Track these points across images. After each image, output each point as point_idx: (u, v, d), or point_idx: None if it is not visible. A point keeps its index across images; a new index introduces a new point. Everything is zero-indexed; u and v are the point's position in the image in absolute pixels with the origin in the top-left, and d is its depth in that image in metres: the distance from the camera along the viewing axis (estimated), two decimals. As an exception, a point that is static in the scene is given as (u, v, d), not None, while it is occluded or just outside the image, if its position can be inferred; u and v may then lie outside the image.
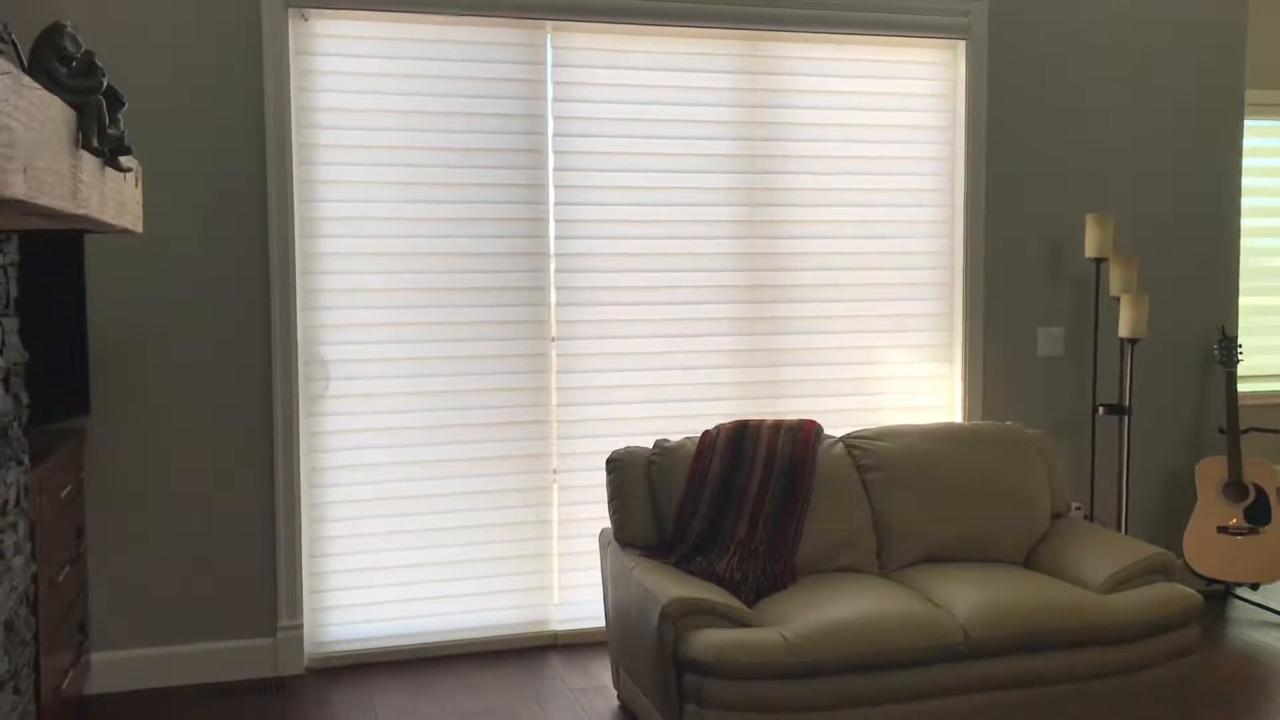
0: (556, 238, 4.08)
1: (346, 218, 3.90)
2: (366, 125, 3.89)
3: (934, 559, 3.58)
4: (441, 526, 4.05)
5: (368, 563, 4.00)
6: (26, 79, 1.44)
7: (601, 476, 4.13)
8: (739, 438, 3.56)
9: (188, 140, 3.72)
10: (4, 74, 1.32)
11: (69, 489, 3.35)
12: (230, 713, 3.59)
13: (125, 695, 3.74)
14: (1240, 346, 4.67)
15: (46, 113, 1.55)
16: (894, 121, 4.40)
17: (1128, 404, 4.43)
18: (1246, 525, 4.48)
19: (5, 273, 2.74)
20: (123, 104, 1.96)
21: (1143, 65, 4.62)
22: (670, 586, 3.03)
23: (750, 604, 3.22)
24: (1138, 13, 4.60)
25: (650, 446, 3.61)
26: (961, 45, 4.41)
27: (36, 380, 3.21)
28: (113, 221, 2.12)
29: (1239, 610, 4.53)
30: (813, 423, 3.67)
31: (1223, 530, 4.48)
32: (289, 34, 3.76)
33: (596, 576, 4.19)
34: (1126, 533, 4.49)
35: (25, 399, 2.89)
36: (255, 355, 3.82)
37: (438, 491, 4.04)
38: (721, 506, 3.45)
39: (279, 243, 3.79)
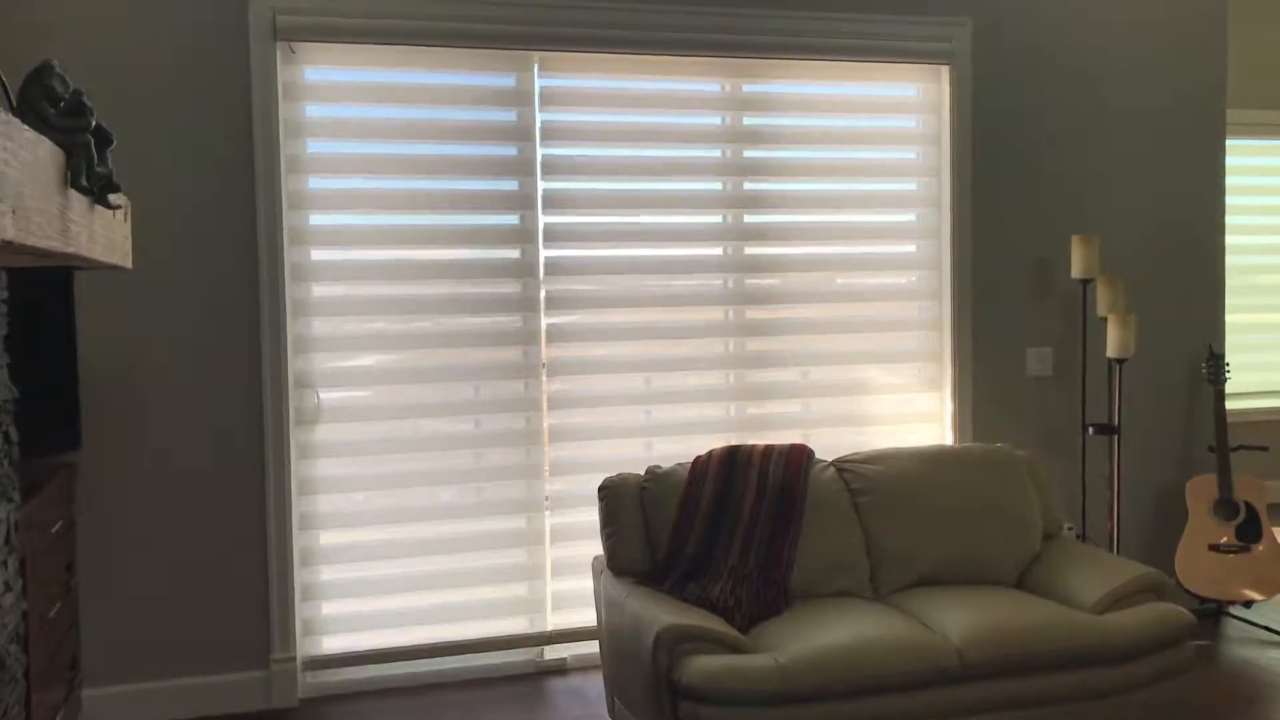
0: (545, 247, 4.10)
1: (334, 232, 3.92)
2: (353, 138, 3.91)
3: (927, 582, 3.58)
4: (434, 551, 4.04)
5: (360, 591, 3.99)
6: (15, 120, 1.45)
7: (593, 490, 4.12)
8: (731, 463, 3.57)
9: (175, 174, 3.73)
10: (-7, 117, 1.33)
11: (60, 524, 3.34)
12: (223, 747, 3.57)
13: (117, 731, 3.71)
14: (1227, 364, 4.69)
15: (35, 153, 1.56)
16: (879, 140, 4.44)
17: (1117, 423, 4.45)
18: (1238, 543, 4.49)
19: (-5, 309, 2.73)
20: (111, 142, 1.97)
21: (1125, 86, 4.66)
22: (664, 613, 3.03)
23: (744, 630, 3.22)
24: (1119, 35, 4.64)
25: (642, 472, 3.61)
26: (945, 70, 4.45)
27: (26, 415, 3.20)
28: (102, 259, 2.13)
29: (1232, 628, 4.53)
30: (804, 447, 3.67)
31: (1214, 548, 4.49)
32: (277, 67, 3.78)
33: (589, 595, 4.18)
34: (1118, 552, 4.49)
35: (15, 435, 2.88)
36: (245, 385, 3.82)
37: (428, 508, 4.03)
38: (714, 532, 3.45)
39: (267, 259, 3.80)
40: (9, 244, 1.42)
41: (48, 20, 3.59)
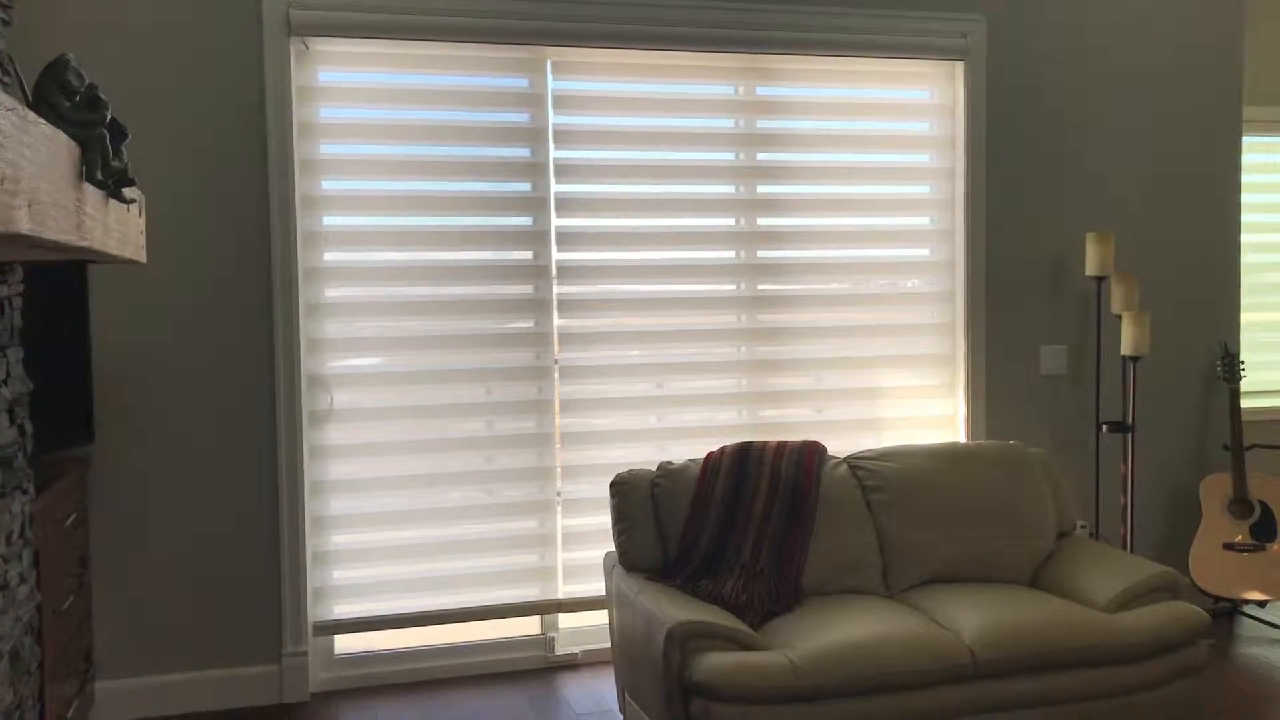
0: (558, 250, 4.09)
1: (348, 233, 3.92)
2: (367, 140, 3.91)
3: (939, 580, 3.57)
4: (445, 545, 4.05)
5: (371, 585, 4.00)
6: (31, 115, 1.45)
7: (604, 490, 4.12)
8: (743, 459, 3.56)
9: (190, 168, 3.74)
10: (9, 110, 1.33)
11: (73, 517, 3.35)
12: (235, 741, 3.58)
13: (130, 724, 3.73)
14: (1243, 363, 4.67)
15: (51, 147, 1.56)
16: (892, 143, 4.42)
17: (1131, 422, 4.43)
18: (1253, 542, 4.47)
19: (10, 304, 2.74)
20: (126, 136, 1.97)
21: (1141, 83, 4.64)
22: (675, 610, 3.03)
23: (756, 627, 3.22)
24: (1135, 31, 4.62)
25: (654, 469, 3.61)
26: (959, 66, 4.43)
27: (40, 408, 3.21)
28: (116, 253, 2.13)
29: (1247, 628, 4.51)
30: (816, 444, 3.67)
31: (1229, 547, 4.47)
32: (290, 62, 3.79)
33: (601, 588, 4.17)
34: (1132, 551, 4.48)
35: (29, 428, 2.89)
36: (258, 379, 3.82)
37: (441, 510, 4.03)
38: (726, 529, 3.45)
39: (281, 259, 3.80)
40: (25, 237, 1.42)
41: (63, 17, 3.59)
